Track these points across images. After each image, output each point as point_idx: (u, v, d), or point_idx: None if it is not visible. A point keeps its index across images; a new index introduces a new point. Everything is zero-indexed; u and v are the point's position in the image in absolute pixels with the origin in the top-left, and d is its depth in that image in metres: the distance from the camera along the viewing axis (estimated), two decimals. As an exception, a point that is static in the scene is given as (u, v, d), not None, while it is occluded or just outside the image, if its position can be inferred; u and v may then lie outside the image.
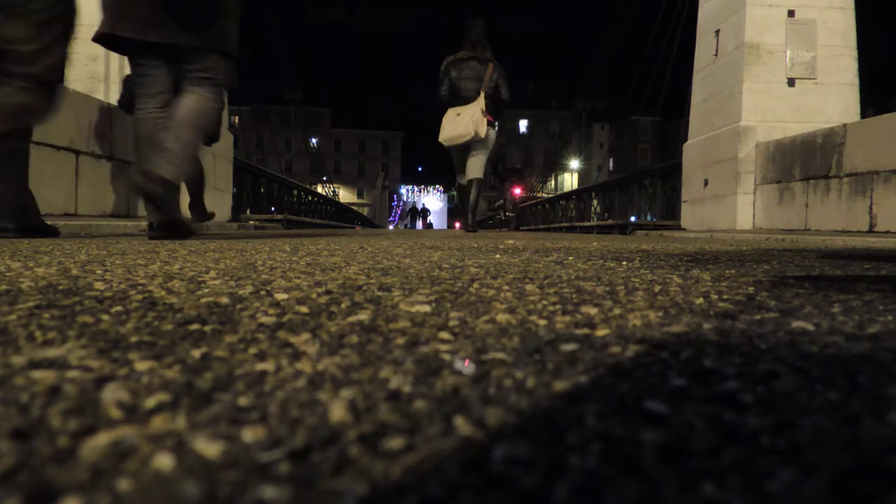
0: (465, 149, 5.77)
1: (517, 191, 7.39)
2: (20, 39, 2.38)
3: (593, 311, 0.80)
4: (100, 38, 2.67)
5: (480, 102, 5.51)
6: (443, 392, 0.43)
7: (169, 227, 2.64)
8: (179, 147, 2.55)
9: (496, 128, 5.90)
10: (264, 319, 0.70)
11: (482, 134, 5.54)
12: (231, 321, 0.68)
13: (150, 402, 0.40)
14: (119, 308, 0.76)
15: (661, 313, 0.79)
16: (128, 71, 5.18)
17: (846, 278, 1.29)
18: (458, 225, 5.18)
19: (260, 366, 0.50)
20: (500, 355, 0.55)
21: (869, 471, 0.31)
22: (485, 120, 5.54)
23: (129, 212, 5.19)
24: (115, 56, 5.78)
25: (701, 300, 0.92)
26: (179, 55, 2.67)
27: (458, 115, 5.57)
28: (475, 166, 5.85)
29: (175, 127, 2.57)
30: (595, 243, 3.00)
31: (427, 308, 0.80)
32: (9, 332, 0.60)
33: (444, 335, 0.63)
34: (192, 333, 0.61)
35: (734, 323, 0.72)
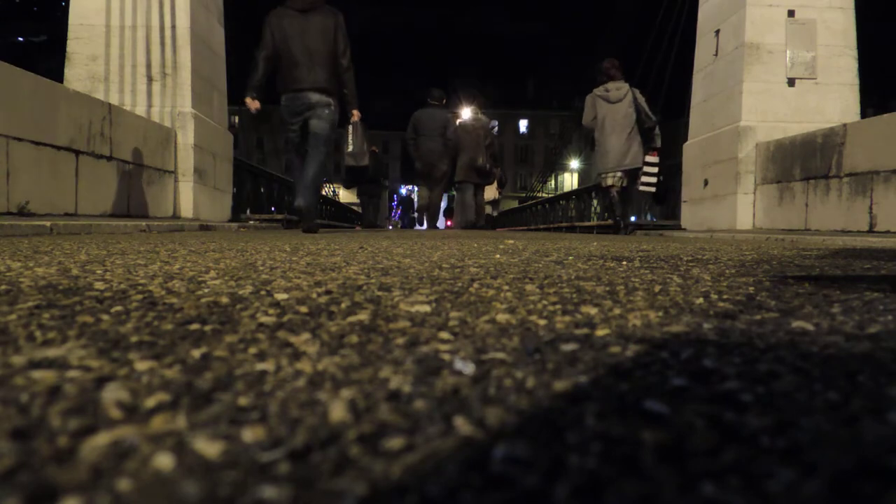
0: (490, 204, 11.56)
1: (449, 223, 12.52)
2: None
3: (593, 311, 0.80)
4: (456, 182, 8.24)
5: (495, 184, 11.12)
6: (443, 392, 0.43)
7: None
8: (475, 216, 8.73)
9: (501, 192, 12.08)
10: (264, 319, 0.70)
11: (497, 197, 11.65)
12: (231, 321, 0.68)
13: (150, 402, 0.40)
14: (119, 308, 0.76)
15: (661, 313, 0.79)
16: (127, 74, 5.61)
17: (846, 278, 1.29)
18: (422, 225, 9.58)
19: (260, 366, 0.50)
20: (500, 355, 0.55)
21: (869, 471, 0.31)
22: (497, 191, 11.55)
23: (129, 211, 5.19)
24: (114, 56, 5.94)
25: (701, 300, 0.92)
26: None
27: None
28: (491, 210, 12.06)
29: (464, 208, 8.67)
30: (595, 243, 3.00)
31: (427, 308, 0.80)
32: (9, 332, 0.60)
33: (444, 335, 0.63)
34: (192, 333, 0.61)
35: (734, 323, 0.72)
